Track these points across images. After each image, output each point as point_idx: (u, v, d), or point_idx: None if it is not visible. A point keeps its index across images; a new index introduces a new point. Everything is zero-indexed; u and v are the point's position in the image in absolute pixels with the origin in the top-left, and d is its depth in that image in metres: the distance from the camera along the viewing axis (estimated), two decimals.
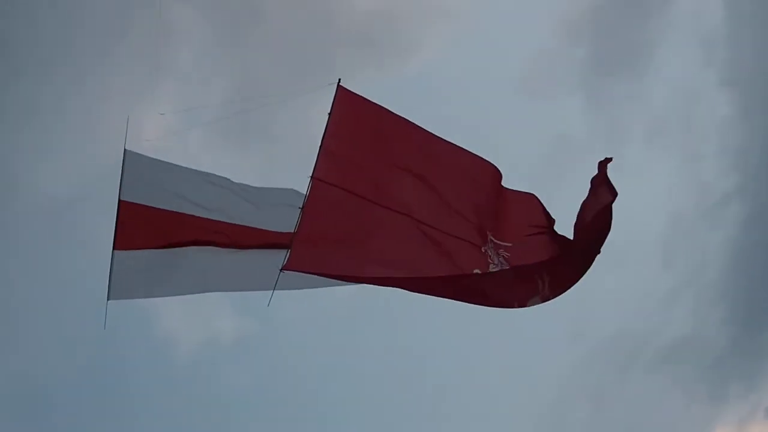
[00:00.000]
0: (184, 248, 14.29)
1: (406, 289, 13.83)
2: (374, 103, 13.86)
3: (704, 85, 35.51)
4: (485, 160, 14.33)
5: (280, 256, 14.18)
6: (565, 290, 14.11)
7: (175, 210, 14.23)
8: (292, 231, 13.99)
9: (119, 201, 13.83)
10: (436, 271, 13.89)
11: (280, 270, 13.67)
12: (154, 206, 14.10)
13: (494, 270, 13.76)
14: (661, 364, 33.43)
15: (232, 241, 14.65)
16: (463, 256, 13.88)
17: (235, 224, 14.63)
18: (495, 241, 14.00)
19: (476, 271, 13.71)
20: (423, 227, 13.85)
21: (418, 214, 13.89)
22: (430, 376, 33.27)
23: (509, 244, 14.02)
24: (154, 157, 14.42)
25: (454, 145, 14.23)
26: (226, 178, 14.66)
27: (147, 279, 14.11)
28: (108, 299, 13.69)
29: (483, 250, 14.05)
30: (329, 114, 13.62)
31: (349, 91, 13.70)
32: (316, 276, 13.95)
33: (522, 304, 14.05)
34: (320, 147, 13.63)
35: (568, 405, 34.40)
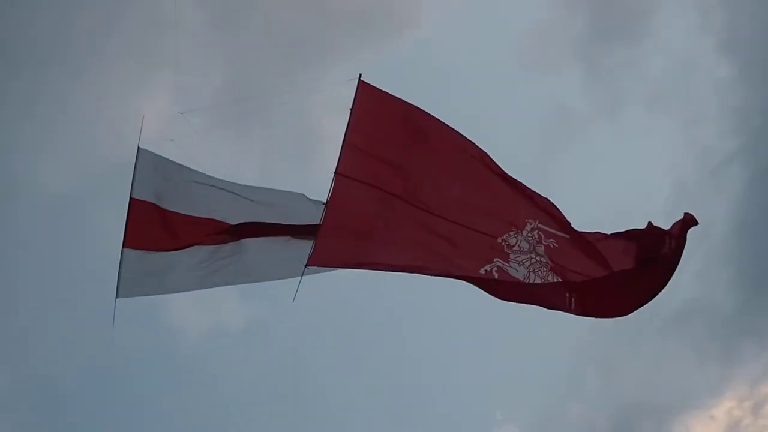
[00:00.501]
0: (196, 247, 14.25)
1: (426, 274, 13.90)
2: (396, 98, 13.87)
3: (702, 49, 35.48)
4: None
5: (298, 247, 14.30)
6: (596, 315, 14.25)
7: (186, 213, 14.20)
8: (309, 223, 14.12)
9: (130, 198, 13.77)
10: (454, 268, 13.96)
11: (305, 266, 13.75)
12: (166, 208, 14.08)
13: (513, 267, 13.81)
14: (671, 330, 33.22)
15: (245, 234, 14.57)
16: (479, 246, 13.92)
17: (247, 222, 14.59)
18: (543, 228, 13.97)
19: (496, 260, 13.76)
20: (443, 223, 13.90)
21: (439, 210, 13.93)
22: (440, 353, 33.35)
23: (566, 236, 13.99)
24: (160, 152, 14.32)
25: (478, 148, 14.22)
26: (234, 183, 14.61)
27: (156, 277, 14.08)
28: (117, 297, 13.67)
29: (499, 241, 14.03)
30: (351, 109, 13.68)
31: (371, 85, 13.72)
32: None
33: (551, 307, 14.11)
34: (343, 142, 13.70)
35: (580, 375, 34.31)
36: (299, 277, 13.82)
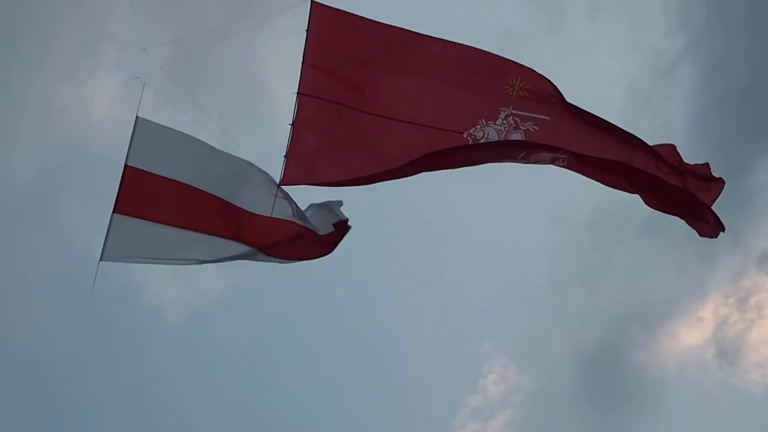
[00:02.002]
0: (187, 231, 14.30)
1: (405, 176, 14.27)
2: (349, 13, 14.30)
3: None
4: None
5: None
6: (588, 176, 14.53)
7: (178, 180, 14.25)
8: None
9: (125, 166, 13.91)
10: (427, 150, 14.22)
11: (277, 186, 14.23)
12: (159, 174, 14.14)
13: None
14: (645, 237, 33.37)
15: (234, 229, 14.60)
16: (443, 143, 14.28)
17: (234, 205, 14.60)
18: (518, 113, 14.25)
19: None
20: (411, 126, 14.29)
21: (405, 115, 14.28)
22: (419, 291, 33.53)
23: (545, 117, 14.29)
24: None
25: (444, 40, 14.44)
26: (225, 153, 14.62)
27: (143, 246, 14.14)
28: (101, 260, 13.73)
29: (464, 135, 14.36)
30: (306, 31, 14.11)
31: (323, 5, 14.16)
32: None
33: (526, 159, 14.38)
34: (302, 63, 14.15)
35: (561, 290, 34.55)
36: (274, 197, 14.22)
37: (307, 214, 14.60)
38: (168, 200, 14.21)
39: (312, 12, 14.10)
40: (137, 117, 14.05)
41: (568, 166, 14.63)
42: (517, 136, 14.25)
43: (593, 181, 14.83)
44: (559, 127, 14.25)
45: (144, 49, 13.91)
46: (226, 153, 14.57)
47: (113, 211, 13.82)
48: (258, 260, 14.76)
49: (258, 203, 14.50)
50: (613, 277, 34.07)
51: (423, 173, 14.53)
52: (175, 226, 14.22)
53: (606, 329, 34.53)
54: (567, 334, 34.72)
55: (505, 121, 14.30)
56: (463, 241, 33.65)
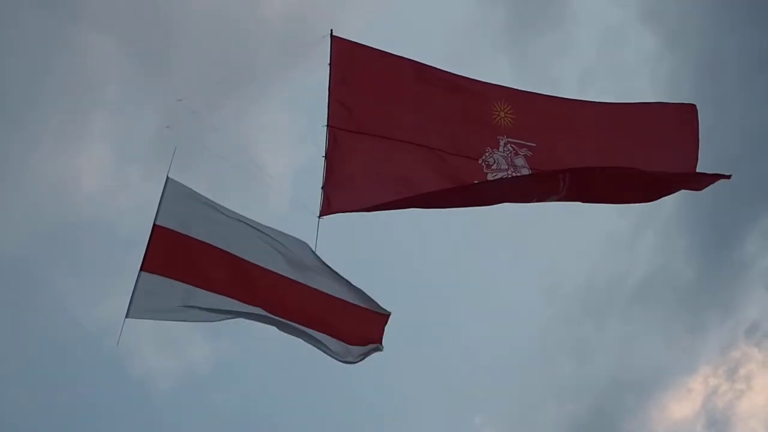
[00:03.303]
0: (214, 294, 14.25)
1: (429, 207, 14.58)
2: (368, 47, 14.97)
3: (626, 21, 36.70)
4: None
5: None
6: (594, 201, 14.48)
7: (207, 241, 14.35)
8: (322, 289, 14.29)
9: (154, 225, 14.07)
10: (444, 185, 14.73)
11: (318, 217, 14.46)
12: (188, 234, 14.25)
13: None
14: (636, 306, 33.95)
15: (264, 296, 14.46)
16: (465, 170, 14.83)
17: (267, 269, 14.57)
18: (513, 141, 14.99)
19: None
20: (434, 152, 14.82)
21: (426, 141, 14.82)
22: (409, 375, 33.37)
23: (533, 144, 14.91)
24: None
25: (452, 74, 15.22)
26: (251, 220, 14.74)
27: (169, 303, 14.08)
28: (127, 317, 13.68)
29: (479, 162, 15.02)
30: (329, 64, 14.68)
31: (343, 39, 14.79)
32: None
33: (541, 200, 14.59)
34: (329, 96, 14.65)
35: (551, 360, 34.65)
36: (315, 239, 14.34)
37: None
38: (196, 261, 14.26)
39: (333, 45, 14.69)
40: (167, 177, 14.29)
41: (568, 195, 14.99)
42: (520, 160, 14.94)
43: (599, 205, 15.12)
44: (547, 150, 14.94)
45: (180, 100, 14.24)
46: (254, 220, 14.64)
47: (140, 269, 13.86)
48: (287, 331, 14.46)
49: (293, 270, 14.52)
50: (603, 348, 34.37)
51: (447, 209, 14.89)
52: (202, 288, 14.16)
53: (596, 399, 34.38)
54: (558, 405, 34.74)
55: (505, 149, 14.96)
56: (453, 312, 33.81)
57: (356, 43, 14.89)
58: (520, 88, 15.30)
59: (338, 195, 14.49)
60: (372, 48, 15.04)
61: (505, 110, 15.10)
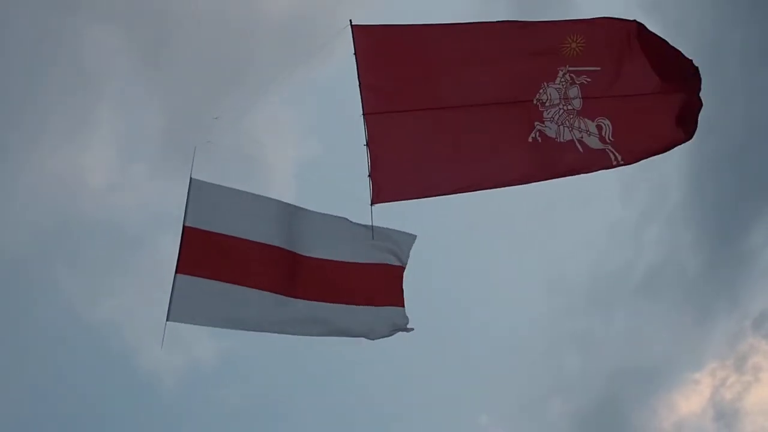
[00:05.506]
0: (252, 289, 14.46)
1: (491, 188, 14.83)
2: (389, 25, 14.77)
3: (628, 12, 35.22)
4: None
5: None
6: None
7: (238, 236, 14.53)
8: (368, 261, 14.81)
9: (184, 227, 14.25)
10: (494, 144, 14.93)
11: (371, 205, 14.72)
12: (218, 232, 14.43)
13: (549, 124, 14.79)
14: (642, 298, 33.41)
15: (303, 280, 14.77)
16: (517, 116, 14.82)
17: (302, 254, 14.88)
18: (573, 69, 14.75)
19: (536, 123, 14.71)
20: (481, 108, 14.77)
21: (472, 99, 14.75)
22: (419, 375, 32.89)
23: (597, 68, 14.74)
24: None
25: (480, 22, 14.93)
26: (282, 202, 14.99)
27: (212, 306, 14.32)
28: (168, 320, 13.95)
29: (534, 102, 14.86)
30: (354, 53, 14.54)
31: (363, 25, 14.57)
32: None
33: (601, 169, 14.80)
34: (359, 85, 14.59)
35: (559, 354, 33.93)
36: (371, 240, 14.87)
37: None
38: (230, 257, 14.47)
39: (354, 35, 14.49)
40: (191, 178, 14.41)
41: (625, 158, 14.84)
42: (573, 90, 14.95)
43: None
44: (610, 74, 14.85)
45: (216, 118, 14.17)
46: (287, 203, 14.88)
47: (175, 272, 14.11)
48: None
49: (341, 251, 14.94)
50: (611, 340, 33.81)
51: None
52: (240, 285, 14.41)
53: (603, 393, 33.79)
54: (565, 400, 34.23)
55: (562, 79, 14.85)
56: (458, 306, 33.30)
57: (377, 25, 14.67)
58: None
59: (387, 183, 14.68)
60: (394, 25, 14.82)
61: (578, 41, 14.87)
